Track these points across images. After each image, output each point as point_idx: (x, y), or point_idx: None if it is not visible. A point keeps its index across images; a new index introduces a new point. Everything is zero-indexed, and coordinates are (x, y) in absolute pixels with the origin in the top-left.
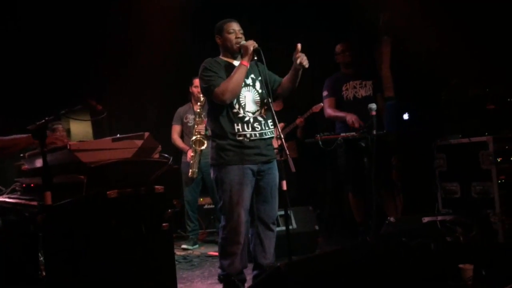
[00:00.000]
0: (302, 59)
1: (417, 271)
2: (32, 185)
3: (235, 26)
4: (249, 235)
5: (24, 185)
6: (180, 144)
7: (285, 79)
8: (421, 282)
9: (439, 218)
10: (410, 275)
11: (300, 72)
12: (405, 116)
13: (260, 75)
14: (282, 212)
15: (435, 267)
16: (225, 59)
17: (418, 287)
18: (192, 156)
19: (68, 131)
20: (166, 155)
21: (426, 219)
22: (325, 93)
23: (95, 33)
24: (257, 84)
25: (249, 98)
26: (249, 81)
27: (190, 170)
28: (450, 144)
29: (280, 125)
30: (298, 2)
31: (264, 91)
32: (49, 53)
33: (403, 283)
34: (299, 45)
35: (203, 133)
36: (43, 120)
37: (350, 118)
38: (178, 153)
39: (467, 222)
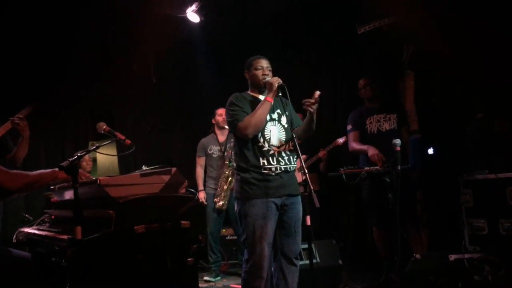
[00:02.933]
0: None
1: None
2: (61, 217)
3: (263, 63)
4: (272, 270)
5: (53, 217)
6: (198, 180)
7: (303, 127)
8: None
9: (466, 256)
10: None
11: (315, 116)
12: (430, 151)
13: (286, 111)
14: (306, 246)
15: None
16: (252, 94)
17: None
18: (225, 188)
19: (94, 159)
20: (192, 190)
21: (453, 257)
22: (349, 127)
23: (116, 64)
24: (283, 119)
25: (274, 132)
26: (274, 115)
27: (220, 202)
28: (476, 180)
29: (302, 157)
30: (322, 35)
31: (289, 126)
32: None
33: None
34: (317, 93)
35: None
36: (75, 157)
37: (372, 152)
38: (204, 182)
39: (496, 261)
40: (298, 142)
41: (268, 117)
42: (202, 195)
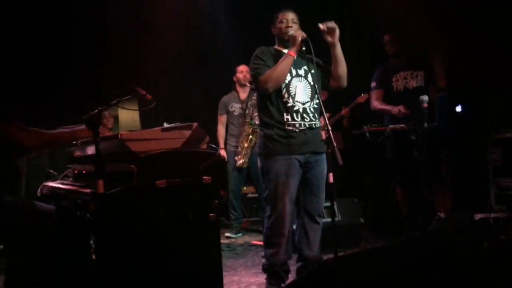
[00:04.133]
0: (327, 26)
1: (468, 271)
2: (84, 171)
3: (288, 16)
4: (295, 227)
5: (76, 172)
6: (219, 139)
7: (332, 67)
8: (473, 283)
9: (492, 215)
10: (461, 275)
11: (338, 48)
12: (458, 109)
13: (312, 68)
14: (328, 204)
15: (488, 267)
16: (278, 48)
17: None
18: (247, 146)
19: (115, 117)
20: (214, 146)
21: (478, 216)
22: (373, 84)
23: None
24: (309, 77)
25: (300, 89)
26: (301, 71)
27: (241, 160)
28: (505, 138)
29: (326, 115)
30: None
31: (315, 84)
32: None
33: (454, 283)
34: (320, 25)
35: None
36: (97, 110)
37: (396, 109)
38: (225, 140)
39: None
40: (337, 87)
41: (294, 73)
42: (223, 153)
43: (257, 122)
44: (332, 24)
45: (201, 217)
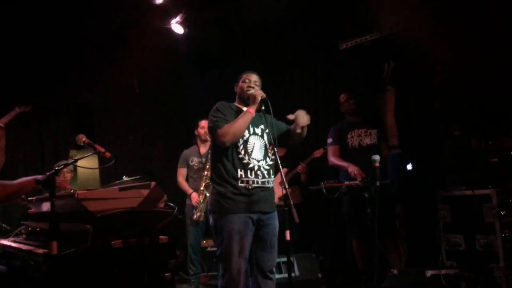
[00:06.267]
0: (301, 121)
1: None
2: (38, 229)
3: (251, 77)
4: (250, 285)
5: (30, 229)
6: (184, 187)
7: (293, 130)
8: None
9: (443, 272)
10: None
11: (306, 128)
12: (409, 167)
13: (268, 128)
14: (284, 259)
15: None
16: (238, 105)
17: None
18: (200, 200)
19: (74, 168)
20: (172, 205)
21: (429, 273)
22: (329, 140)
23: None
24: (265, 136)
25: (256, 146)
26: (258, 131)
27: (197, 214)
28: (453, 196)
29: (283, 171)
30: (304, 49)
31: (270, 143)
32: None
33: None
34: (290, 117)
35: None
36: (53, 170)
37: (352, 170)
38: (183, 194)
39: (471, 277)
40: (299, 142)
41: (252, 131)
42: (194, 195)
43: None
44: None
45: (157, 277)
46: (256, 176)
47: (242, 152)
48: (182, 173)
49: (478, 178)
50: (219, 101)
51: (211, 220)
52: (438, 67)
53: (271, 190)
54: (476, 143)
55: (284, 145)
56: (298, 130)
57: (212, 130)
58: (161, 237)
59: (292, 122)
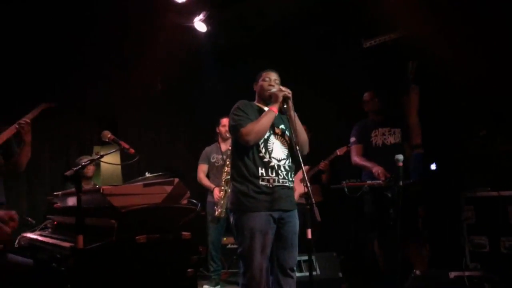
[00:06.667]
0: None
1: None
2: (63, 223)
3: (271, 75)
4: (270, 283)
5: (55, 223)
6: (206, 183)
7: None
8: None
9: (467, 273)
10: None
11: (292, 118)
12: (433, 166)
13: (287, 126)
14: (305, 258)
15: None
16: (258, 104)
17: None
18: (221, 196)
19: (97, 164)
20: (195, 201)
21: (453, 274)
22: (352, 139)
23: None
24: (286, 135)
25: (277, 146)
26: (279, 129)
27: (218, 210)
28: (478, 197)
29: (305, 168)
30: (327, 47)
31: (291, 142)
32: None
33: None
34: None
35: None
36: (80, 166)
37: (377, 170)
38: (203, 191)
39: (496, 279)
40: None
41: (272, 130)
42: (217, 191)
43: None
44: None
45: (179, 273)
46: (277, 175)
47: (263, 150)
48: (203, 169)
49: (503, 179)
50: (240, 99)
51: (231, 218)
52: (462, 67)
53: (292, 189)
54: (502, 144)
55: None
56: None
57: (235, 129)
58: (184, 233)
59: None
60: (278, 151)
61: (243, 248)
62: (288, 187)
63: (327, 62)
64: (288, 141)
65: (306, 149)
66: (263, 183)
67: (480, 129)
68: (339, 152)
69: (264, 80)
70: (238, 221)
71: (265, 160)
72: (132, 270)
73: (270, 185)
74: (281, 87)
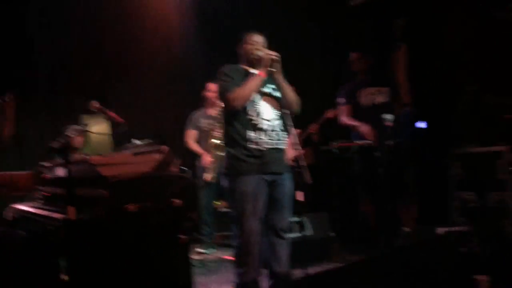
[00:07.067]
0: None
1: (432, 283)
2: (54, 194)
3: (256, 38)
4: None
5: (45, 194)
6: (195, 148)
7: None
8: None
9: (455, 229)
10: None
11: (279, 78)
12: (421, 124)
13: (276, 86)
14: (297, 219)
15: (450, 279)
16: (245, 67)
17: None
18: (211, 160)
19: (87, 136)
20: (185, 169)
21: (441, 230)
22: (341, 100)
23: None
24: (276, 94)
25: (266, 106)
26: (268, 90)
27: (208, 175)
28: (466, 153)
29: (296, 132)
30: (313, 7)
31: (281, 102)
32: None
33: None
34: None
35: (220, 138)
36: (67, 137)
37: (364, 129)
38: (192, 157)
39: (483, 233)
40: (291, 115)
41: (261, 92)
42: (206, 157)
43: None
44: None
45: (172, 240)
46: (269, 137)
47: (253, 114)
48: (191, 135)
49: (491, 134)
50: (227, 62)
51: (224, 182)
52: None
53: (284, 151)
54: (490, 99)
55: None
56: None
57: (222, 94)
58: (175, 200)
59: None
60: (268, 112)
61: (236, 211)
62: (280, 149)
63: (313, 23)
64: (279, 102)
65: (295, 107)
66: (253, 146)
67: (468, 85)
68: (328, 114)
69: (250, 43)
70: (231, 185)
71: (255, 123)
72: (125, 239)
73: (262, 148)
74: (268, 50)
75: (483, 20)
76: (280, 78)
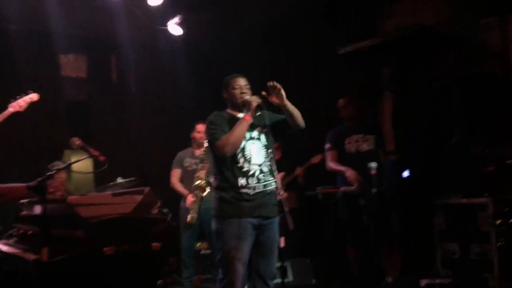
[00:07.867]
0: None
1: None
2: (29, 232)
3: (240, 82)
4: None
5: (21, 231)
6: (179, 189)
7: (288, 119)
8: None
9: (438, 281)
10: None
11: (288, 106)
12: (406, 173)
13: (265, 127)
14: (279, 264)
15: None
16: (231, 112)
17: None
18: (193, 201)
19: (68, 172)
20: (165, 211)
21: (424, 282)
22: (327, 146)
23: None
24: (262, 137)
25: (254, 151)
26: (254, 134)
27: (190, 216)
28: (449, 204)
29: (280, 175)
30: (303, 54)
31: (269, 143)
32: None
33: None
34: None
35: (204, 179)
36: (45, 176)
37: (350, 174)
38: (177, 197)
39: (466, 287)
40: (298, 131)
41: (248, 136)
42: (190, 198)
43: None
44: (275, 84)
45: (149, 284)
46: (258, 181)
47: (241, 160)
48: (176, 174)
49: (474, 186)
50: (216, 104)
51: (213, 224)
52: (437, 72)
53: (273, 193)
54: (473, 150)
55: (283, 136)
56: (276, 101)
57: (211, 143)
58: (154, 244)
59: None
60: (256, 156)
61: (221, 254)
62: (270, 192)
63: (303, 68)
64: (266, 143)
65: (302, 124)
66: (243, 190)
67: (454, 136)
68: (314, 160)
69: (234, 88)
70: (218, 227)
71: (244, 169)
72: (100, 283)
73: (251, 192)
74: (251, 96)
75: (468, 74)
76: (285, 102)
